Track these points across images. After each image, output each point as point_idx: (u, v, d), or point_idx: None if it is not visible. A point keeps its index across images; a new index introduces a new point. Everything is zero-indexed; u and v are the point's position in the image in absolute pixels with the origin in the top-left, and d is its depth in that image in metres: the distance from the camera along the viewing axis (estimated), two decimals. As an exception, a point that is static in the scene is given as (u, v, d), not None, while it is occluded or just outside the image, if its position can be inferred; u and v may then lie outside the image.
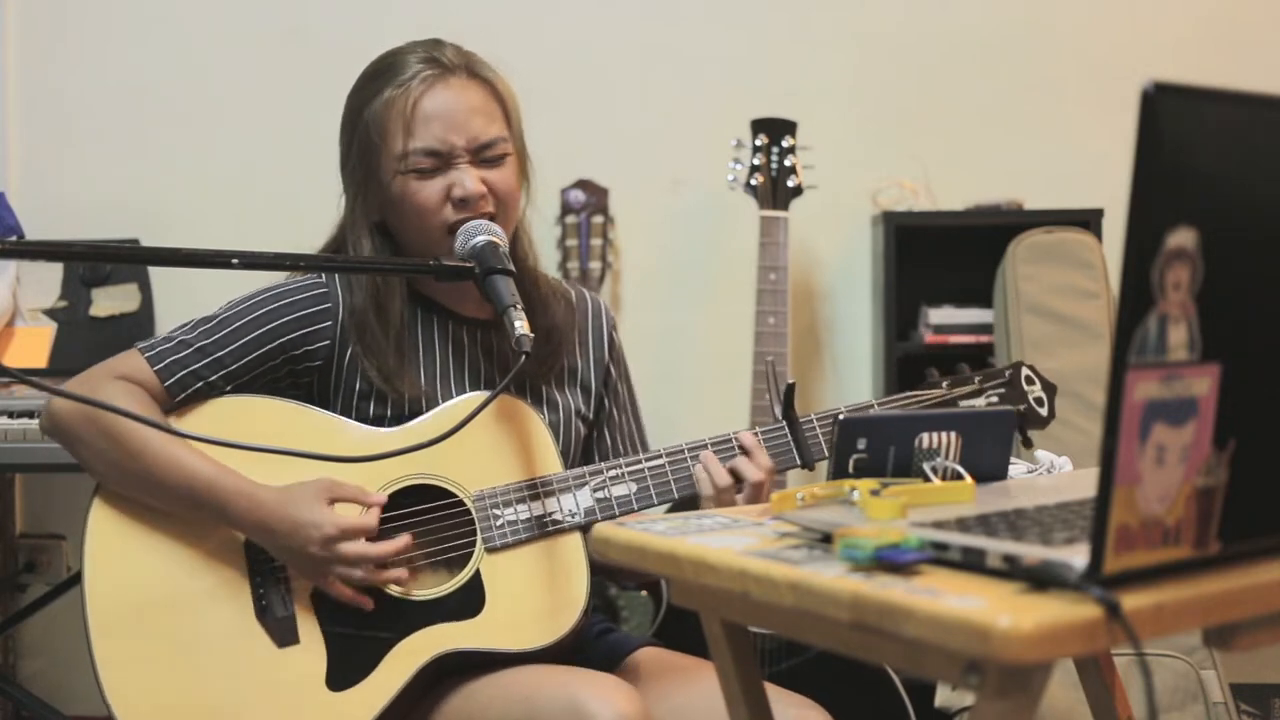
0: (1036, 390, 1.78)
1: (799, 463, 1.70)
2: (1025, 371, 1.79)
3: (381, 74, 1.72)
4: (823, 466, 1.65)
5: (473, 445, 1.65)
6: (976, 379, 1.77)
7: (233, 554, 1.66)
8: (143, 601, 1.64)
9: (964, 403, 1.74)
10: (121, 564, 1.65)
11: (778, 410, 1.73)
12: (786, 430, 1.70)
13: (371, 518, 1.62)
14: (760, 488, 1.65)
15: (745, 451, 1.68)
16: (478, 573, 1.66)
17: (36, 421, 2.35)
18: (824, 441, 1.71)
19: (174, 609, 1.64)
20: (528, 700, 1.55)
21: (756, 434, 1.70)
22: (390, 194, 1.70)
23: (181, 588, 1.65)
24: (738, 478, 1.66)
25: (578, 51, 3.13)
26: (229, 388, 1.69)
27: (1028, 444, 1.77)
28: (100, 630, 1.63)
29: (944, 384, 1.76)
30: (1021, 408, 1.76)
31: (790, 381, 1.73)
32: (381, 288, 1.72)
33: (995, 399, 1.76)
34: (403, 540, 1.62)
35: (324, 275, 1.74)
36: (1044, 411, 1.79)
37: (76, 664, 1.63)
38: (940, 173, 3.07)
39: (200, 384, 1.68)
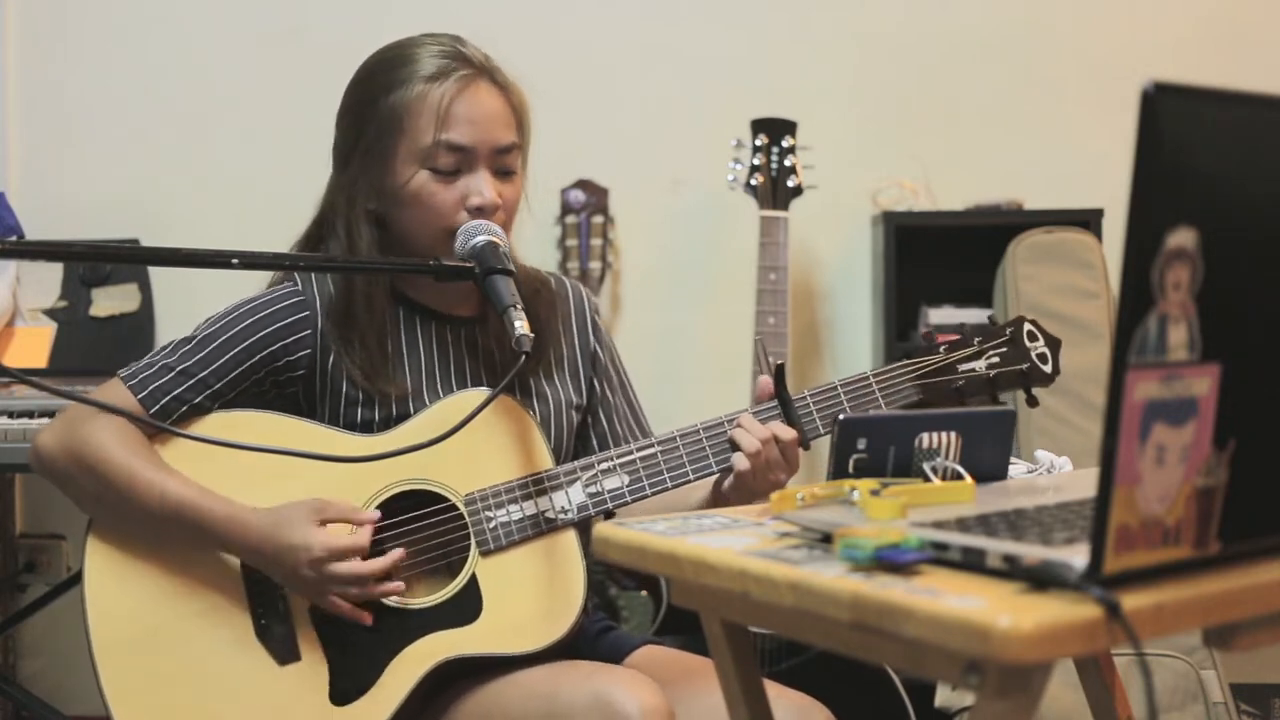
0: (1040, 346, 1.73)
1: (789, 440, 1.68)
2: (1028, 327, 1.73)
3: (404, 63, 1.71)
4: (819, 450, 1.63)
5: (461, 446, 1.63)
6: (976, 340, 1.71)
7: (230, 574, 1.65)
8: (144, 623, 1.64)
9: (964, 366, 1.70)
10: (121, 585, 1.64)
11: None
12: (780, 411, 1.69)
13: (363, 536, 1.60)
14: (794, 445, 1.65)
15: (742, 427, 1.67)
16: (474, 577, 1.65)
17: (36, 422, 2.36)
18: (818, 420, 1.69)
19: (175, 630, 1.63)
20: (550, 697, 1.55)
21: (696, 433, 1.69)
22: (403, 187, 1.69)
23: (181, 609, 1.64)
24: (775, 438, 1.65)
25: (578, 52, 3.13)
26: (215, 406, 1.68)
27: (1032, 403, 1.73)
28: (104, 652, 1.63)
29: (941, 348, 1.71)
30: (1024, 366, 1.71)
31: (779, 363, 1.71)
32: (372, 280, 1.71)
33: (996, 359, 1.71)
34: (395, 555, 1.62)
35: (300, 282, 1.72)
36: (1048, 368, 1.72)
37: (76, 664, 1.63)
38: (940, 173, 3.08)
39: (185, 407, 1.67)
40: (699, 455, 1.68)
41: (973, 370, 1.71)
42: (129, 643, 1.63)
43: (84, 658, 1.63)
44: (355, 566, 1.59)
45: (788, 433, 1.65)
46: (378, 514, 1.63)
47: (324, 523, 1.61)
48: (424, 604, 1.65)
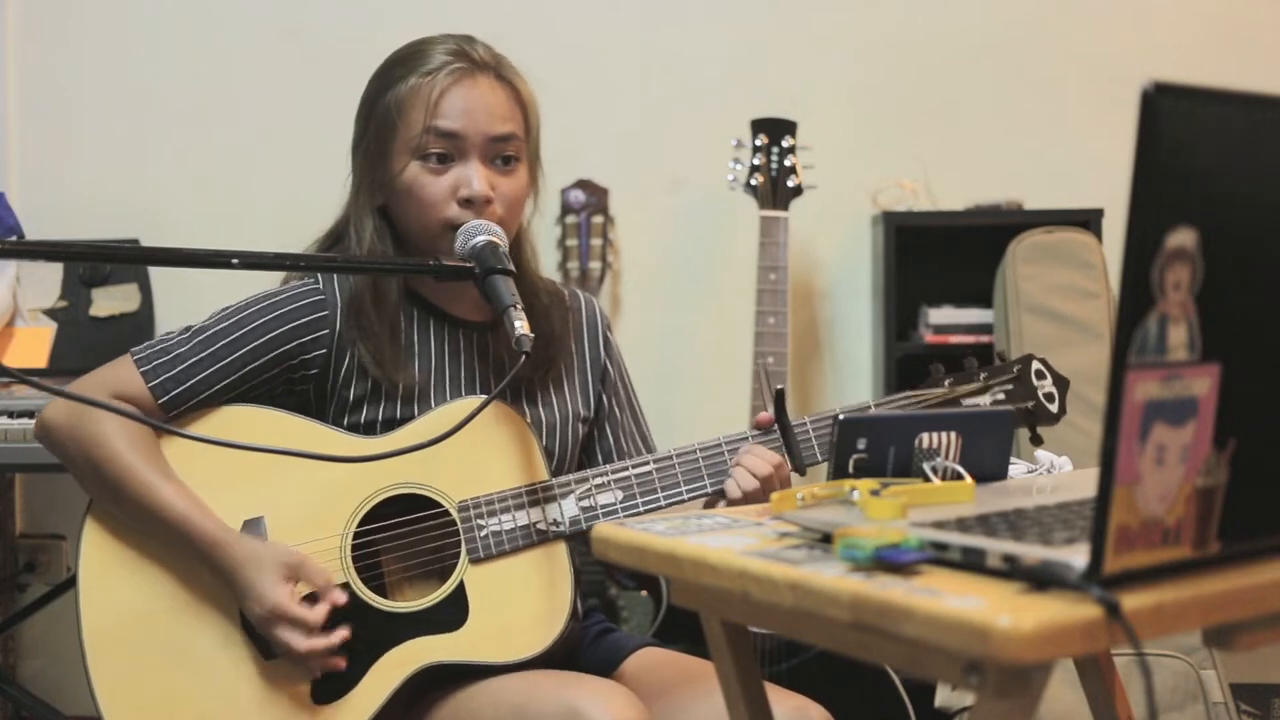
0: (1047, 385, 1.73)
1: (790, 467, 1.68)
2: (1036, 366, 1.73)
3: (409, 60, 1.72)
4: (816, 470, 1.63)
5: (458, 453, 1.63)
6: (982, 376, 1.71)
7: None
8: (134, 615, 1.64)
9: (968, 401, 1.70)
10: (114, 579, 1.65)
11: (770, 412, 1.71)
12: (779, 435, 1.68)
13: (318, 612, 1.59)
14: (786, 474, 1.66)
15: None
16: (461, 584, 1.65)
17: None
18: (816, 445, 1.69)
19: (164, 622, 1.64)
20: (522, 707, 1.55)
21: (694, 456, 1.69)
22: (398, 179, 1.69)
23: (171, 601, 1.65)
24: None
25: (578, 51, 3.13)
26: (225, 399, 1.68)
27: (1036, 441, 1.73)
28: (93, 639, 1.63)
29: (946, 382, 1.71)
30: (1030, 404, 1.71)
31: (780, 387, 1.70)
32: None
33: (1002, 396, 1.71)
34: (338, 635, 1.60)
35: (320, 279, 1.73)
36: (1054, 408, 1.72)
37: (76, 664, 1.63)
38: (940, 173, 3.08)
39: (195, 399, 1.67)
40: (694, 475, 1.69)
41: (977, 405, 1.70)
42: (118, 631, 1.64)
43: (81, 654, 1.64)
44: (291, 638, 1.58)
45: (784, 464, 1.66)
46: (344, 597, 1.61)
47: (291, 579, 1.60)
48: (410, 608, 1.65)
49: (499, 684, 1.61)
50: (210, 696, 1.63)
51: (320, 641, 1.59)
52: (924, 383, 1.73)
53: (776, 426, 1.68)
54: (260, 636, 1.63)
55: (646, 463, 1.69)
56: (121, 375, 1.66)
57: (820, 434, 1.69)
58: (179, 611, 1.64)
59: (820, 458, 1.68)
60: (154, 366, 1.66)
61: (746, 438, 1.70)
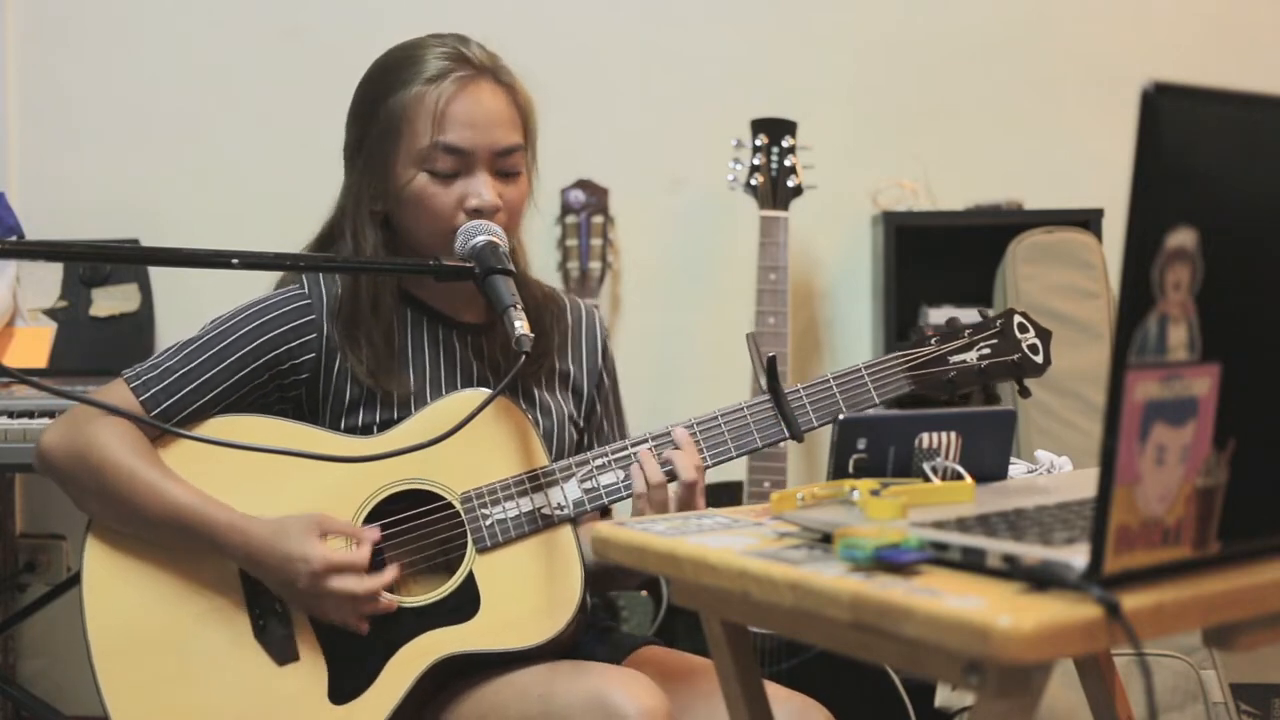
0: (1030, 338, 1.74)
1: (787, 435, 1.68)
2: (1018, 319, 1.75)
3: (407, 65, 1.71)
4: (819, 449, 1.64)
5: (458, 445, 1.62)
6: (966, 332, 1.73)
7: (229, 575, 1.65)
8: (142, 624, 1.64)
9: (955, 357, 1.72)
10: (120, 586, 1.64)
11: (763, 382, 1.71)
12: (772, 403, 1.69)
13: (362, 554, 1.60)
14: (693, 488, 1.64)
15: (677, 448, 1.67)
16: (471, 574, 1.65)
17: (36, 422, 2.36)
18: (811, 412, 1.69)
19: (174, 631, 1.64)
20: (547, 697, 1.55)
21: (692, 429, 1.68)
22: (403, 188, 1.69)
23: (180, 610, 1.64)
24: (671, 476, 1.65)
25: (578, 51, 3.13)
26: (217, 409, 1.68)
27: (1024, 393, 1.75)
28: (102, 653, 1.63)
29: (933, 340, 1.73)
30: (1015, 357, 1.73)
31: (771, 355, 1.71)
32: (378, 279, 1.71)
33: (987, 350, 1.72)
34: (390, 573, 1.61)
35: (306, 284, 1.73)
36: (1039, 359, 1.74)
37: (76, 664, 1.63)
38: (940, 173, 3.07)
39: (187, 410, 1.66)
40: None
41: (964, 361, 1.72)
42: (127, 644, 1.63)
43: (84, 657, 1.63)
44: (350, 583, 1.59)
45: (689, 473, 1.64)
46: (378, 532, 1.63)
47: (324, 535, 1.61)
48: (421, 602, 1.65)
49: (523, 675, 1.61)
50: (226, 704, 1.62)
51: (378, 580, 1.60)
52: (909, 344, 1.74)
53: (769, 394, 1.68)
54: (272, 641, 1.64)
55: (645, 441, 1.69)
56: (114, 397, 1.66)
57: (814, 400, 1.69)
58: (189, 620, 1.64)
59: (815, 423, 1.69)
60: (144, 382, 1.67)
61: (743, 409, 1.69)
